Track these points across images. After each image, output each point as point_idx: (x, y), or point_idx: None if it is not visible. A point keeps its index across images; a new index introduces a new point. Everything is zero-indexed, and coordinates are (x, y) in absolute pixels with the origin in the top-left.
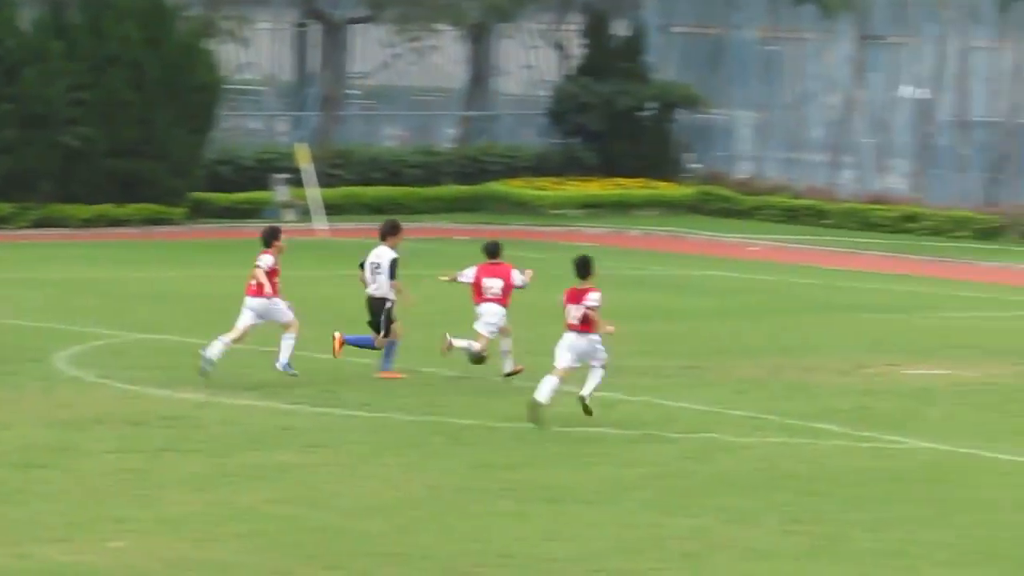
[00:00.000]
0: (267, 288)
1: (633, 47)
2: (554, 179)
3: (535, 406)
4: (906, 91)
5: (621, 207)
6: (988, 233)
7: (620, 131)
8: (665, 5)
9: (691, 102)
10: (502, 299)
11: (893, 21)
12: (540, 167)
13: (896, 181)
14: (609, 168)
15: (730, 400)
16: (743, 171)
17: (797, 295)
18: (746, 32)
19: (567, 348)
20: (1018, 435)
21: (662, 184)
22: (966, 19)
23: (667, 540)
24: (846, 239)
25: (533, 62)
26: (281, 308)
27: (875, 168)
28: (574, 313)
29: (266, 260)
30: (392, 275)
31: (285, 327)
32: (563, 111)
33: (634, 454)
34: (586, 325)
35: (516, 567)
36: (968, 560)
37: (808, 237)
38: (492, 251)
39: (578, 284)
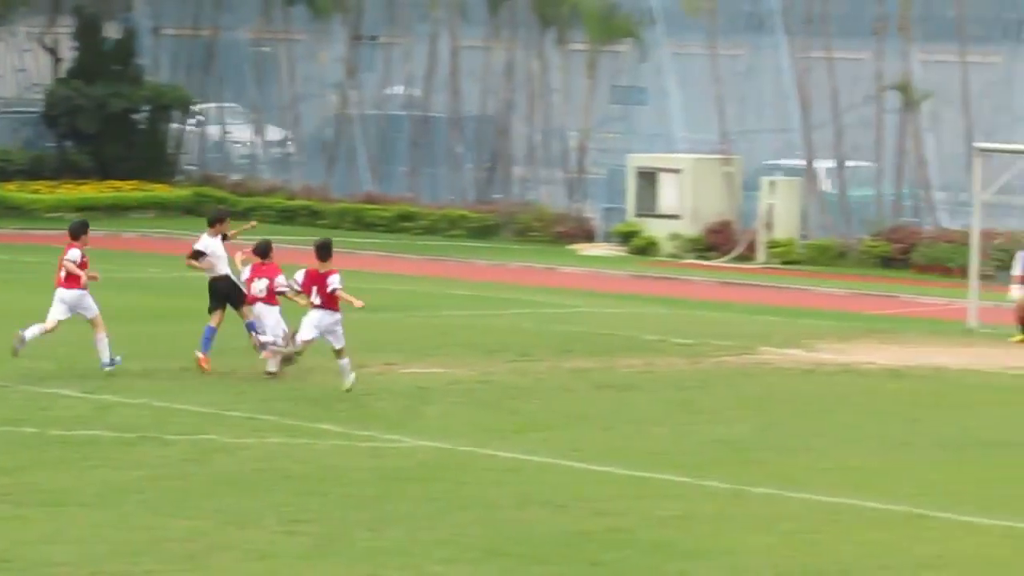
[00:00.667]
0: (83, 280)
1: (125, 49)
2: (49, 183)
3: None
4: (396, 90)
5: (116, 210)
6: (482, 231)
7: (114, 134)
8: (156, 7)
9: (184, 104)
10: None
11: (385, 21)
12: (34, 170)
13: (392, 180)
14: (104, 171)
15: (228, 402)
16: (238, 172)
17: None
18: (238, 33)
19: (314, 324)
20: (516, 432)
21: (157, 186)
22: (457, 19)
23: (167, 542)
24: (342, 239)
25: (25, 65)
26: (90, 302)
27: (369, 168)
28: (318, 292)
29: (74, 254)
30: None
31: (93, 324)
32: (56, 114)
33: (132, 457)
34: (331, 303)
35: (15, 571)
36: (468, 557)
37: (304, 238)
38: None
39: (320, 267)
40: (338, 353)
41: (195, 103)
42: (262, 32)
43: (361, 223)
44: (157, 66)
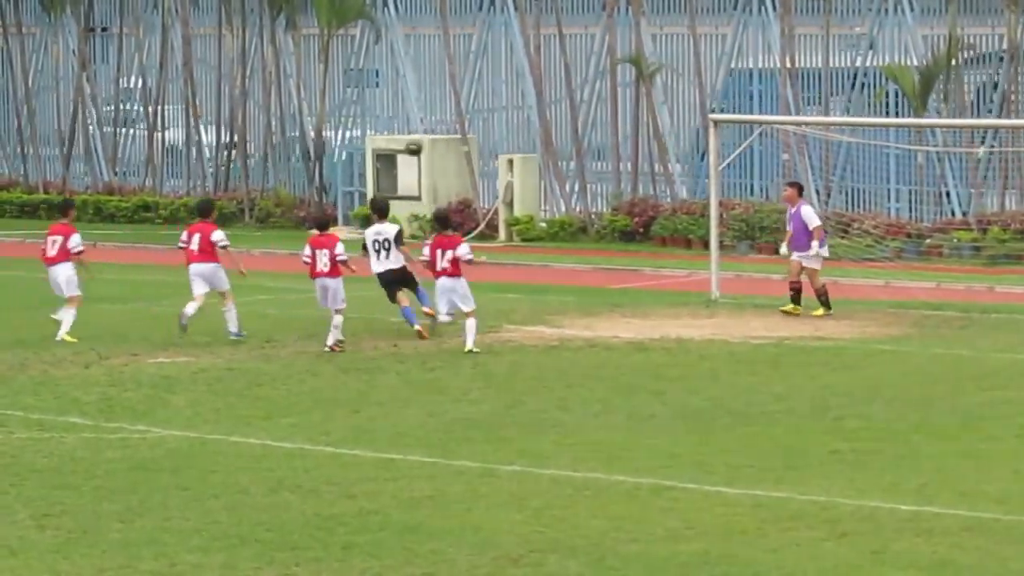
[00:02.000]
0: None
1: None
2: None
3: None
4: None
5: None
6: (225, 219)
7: None
8: None
9: None
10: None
11: (116, 12)
12: None
13: (130, 171)
14: None
15: None
16: None
17: (31, 289)
18: None
19: (447, 291)
20: (264, 419)
21: None
22: (187, 8)
23: None
24: (83, 231)
25: None
26: (223, 275)
27: (107, 159)
28: (446, 258)
29: (218, 234)
30: None
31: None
32: None
33: None
34: (456, 270)
35: None
36: (220, 545)
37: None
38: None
39: (445, 233)
40: (468, 315)
41: None
42: None
43: (101, 214)
44: None
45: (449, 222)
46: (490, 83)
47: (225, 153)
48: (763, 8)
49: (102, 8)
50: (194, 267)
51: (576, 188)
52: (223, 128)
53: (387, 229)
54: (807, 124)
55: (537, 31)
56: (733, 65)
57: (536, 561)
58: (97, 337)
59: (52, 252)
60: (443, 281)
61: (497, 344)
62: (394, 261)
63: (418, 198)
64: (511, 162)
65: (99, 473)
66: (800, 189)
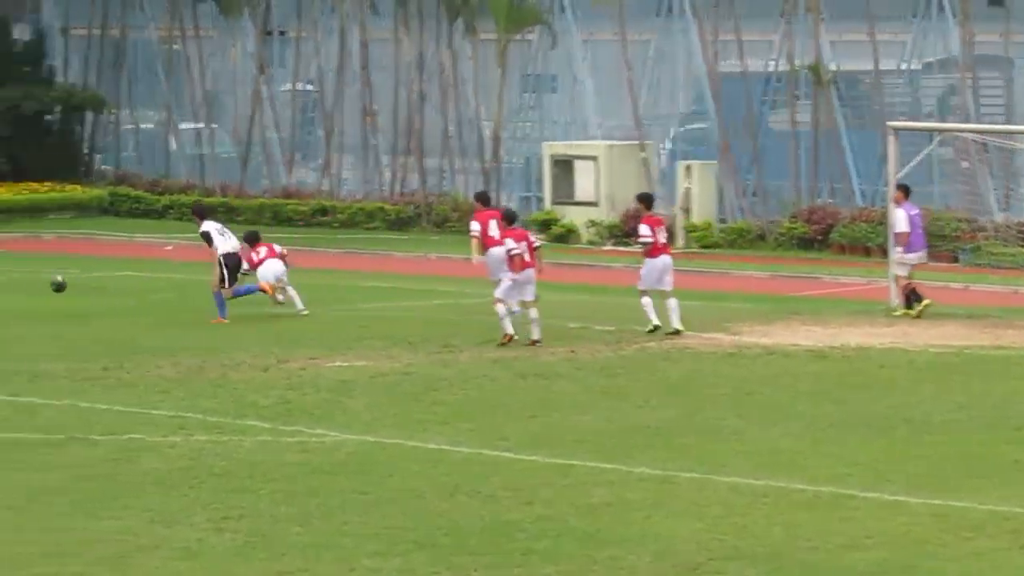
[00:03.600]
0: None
1: (35, 51)
2: None
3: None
4: (307, 85)
5: (34, 211)
6: (400, 223)
7: (27, 135)
8: (64, 7)
9: (96, 104)
10: None
11: (293, 16)
12: None
13: (307, 175)
14: (19, 173)
15: (153, 400)
16: (153, 170)
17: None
18: (147, 32)
19: (528, 283)
20: (441, 423)
21: (72, 187)
22: (365, 11)
23: (95, 543)
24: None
25: None
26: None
27: (284, 162)
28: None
29: None
30: None
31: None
32: None
33: (57, 458)
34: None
35: None
36: (398, 549)
37: None
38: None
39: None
40: (532, 304)
41: (106, 103)
42: (171, 30)
43: (278, 218)
44: (67, 67)
45: (515, 218)
46: (668, 89)
47: (402, 158)
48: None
49: (280, 11)
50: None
51: (753, 195)
52: (399, 132)
53: None
54: (987, 132)
55: (715, 37)
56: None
57: (716, 569)
58: (275, 341)
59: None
60: (530, 272)
61: (675, 351)
62: None
63: (595, 204)
64: (689, 168)
65: (277, 476)
66: (906, 191)
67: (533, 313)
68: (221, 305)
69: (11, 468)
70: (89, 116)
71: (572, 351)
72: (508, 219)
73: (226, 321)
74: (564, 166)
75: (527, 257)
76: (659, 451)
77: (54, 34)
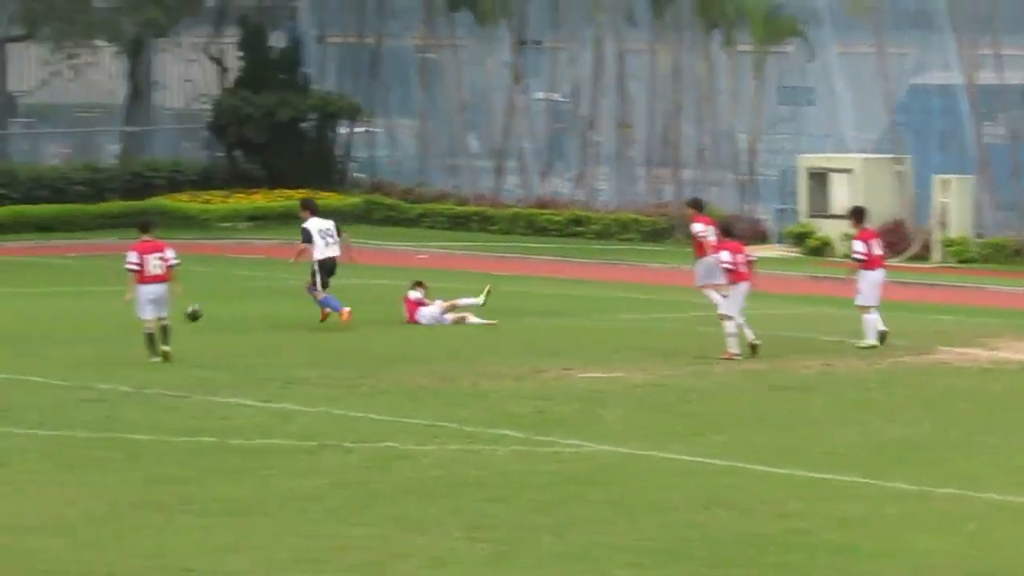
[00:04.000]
0: None
1: (291, 58)
2: (220, 192)
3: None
4: (559, 96)
5: (288, 218)
6: (654, 235)
7: (282, 143)
8: (320, 16)
9: (351, 112)
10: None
11: (549, 26)
12: (205, 180)
13: (561, 185)
14: (274, 180)
15: (407, 408)
16: (407, 179)
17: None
18: (402, 40)
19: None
20: (695, 435)
21: (327, 194)
22: (621, 22)
23: (349, 550)
24: (514, 244)
25: (192, 76)
26: None
27: (539, 172)
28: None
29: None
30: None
31: None
32: (224, 124)
33: (313, 465)
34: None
35: None
36: (652, 561)
37: (475, 243)
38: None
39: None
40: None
41: (361, 111)
42: (427, 39)
43: (533, 228)
44: (323, 74)
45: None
46: (924, 102)
47: (657, 169)
48: None
49: (536, 21)
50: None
51: (1011, 209)
52: (655, 144)
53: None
54: None
55: (973, 50)
56: None
57: None
58: (529, 351)
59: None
60: (744, 286)
61: (931, 366)
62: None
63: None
64: (945, 182)
65: (530, 486)
66: None
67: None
68: (327, 301)
69: (266, 474)
70: (344, 124)
71: (827, 364)
72: (726, 231)
73: (347, 311)
74: (819, 179)
75: (743, 269)
76: (914, 466)
77: (310, 42)
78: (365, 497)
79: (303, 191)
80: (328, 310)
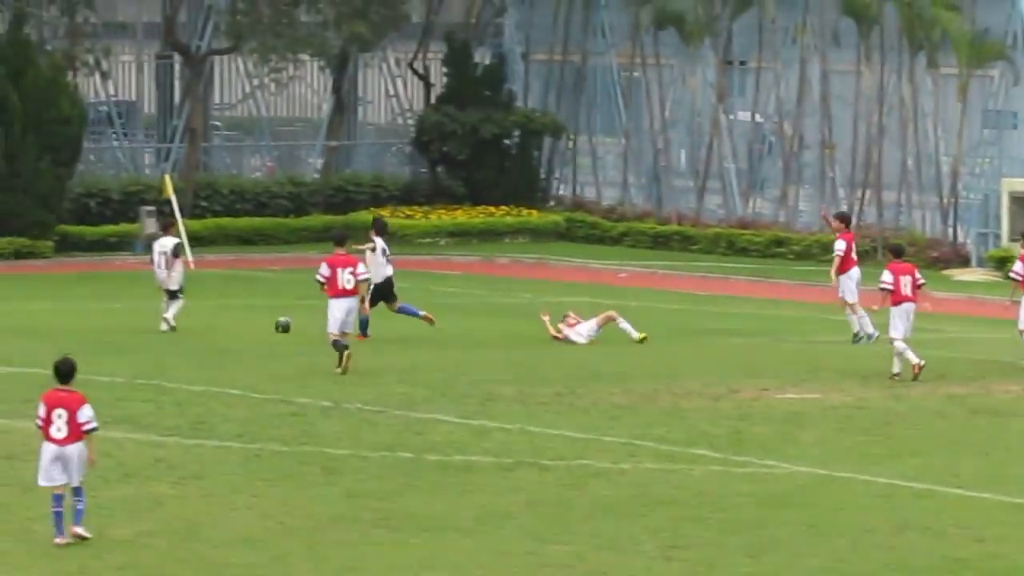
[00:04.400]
0: None
1: (496, 75)
2: (421, 208)
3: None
4: (744, 115)
5: (489, 235)
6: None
7: (485, 159)
8: (526, 33)
9: (554, 129)
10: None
11: (754, 46)
12: (406, 196)
13: (763, 205)
14: (475, 196)
15: (603, 426)
16: (609, 198)
17: (666, 320)
18: (607, 59)
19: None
20: (892, 458)
21: (529, 211)
22: (826, 43)
23: (544, 568)
24: (714, 264)
25: (396, 91)
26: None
27: (741, 192)
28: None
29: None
30: None
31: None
32: (427, 140)
33: (508, 482)
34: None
35: None
36: None
37: (676, 263)
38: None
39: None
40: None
41: (565, 128)
42: (631, 57)
43: (734, 248)
44: (527, 91)
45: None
46: None
47: (859, 191)
48: None
49: (741, 41)
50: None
51: None
52: (857, 165)
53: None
54: None
55: None
56: None
57: None
58: (727, 371)
59: None
60: (908, 306)
61: None
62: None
63: None
64: None
65: (726, 507)
66: None
67: (899, 346)
68: (363, 324)
69: (463, 490)
70: (547, 141)
71: None
72: (896, 252)
73: (367, 338)
74: (1022, 203)
75: (906, 292)
76: None
77: (515, 59)
78: (560, 515)
79: (505, 208)
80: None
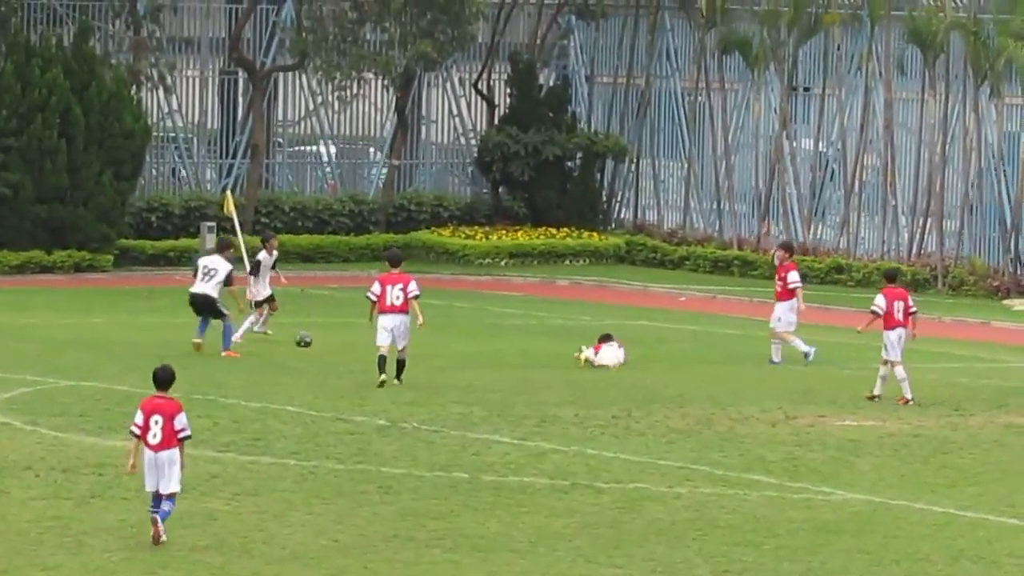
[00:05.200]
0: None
1: (559, 97)
2: (482, 228)
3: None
4: (807, 142)
5: (549, 256)
6: (917, 284)
7: (547, 180)
8: (591, 55)
9: (618, 152)
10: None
11: (819, 72)
12: (467, 216)
13: (824, 232)
14: (537, 217)
15: (659, 450)
16: (671, 221)
17: (725, 345)
18: (672, 83)
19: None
20: (948, 487)
21: (590, 233)
22: (891, 71)
23: None
24: (772, 290)
25: (460, 111)
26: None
27: (802, 218)
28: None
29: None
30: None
31: None
32: (490, 160)
33: (564, 503)
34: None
35: None
36: None
37: (737, 288)
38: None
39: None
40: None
41: (628, 151)
42: (697, 81)
43: None
44: (590, 113)
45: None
46: None
47: (921, 219)
48: None
49: (806, 67)
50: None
51: None
52: (920, 193)
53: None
54: None
55: None
56: None
57: None
58: (784, 397)
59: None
60: (901, 332)
61: None
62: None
63: None
64: None
65: (781, 532)
66: None
67: (900, 372)
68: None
69: (518, 512)
70: (609, 164)
71: None
72: (890, 278)
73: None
74: None
75: (898, 317)
76: None
77: (579, 81)
78: (615, 538)
79: (566, 230)
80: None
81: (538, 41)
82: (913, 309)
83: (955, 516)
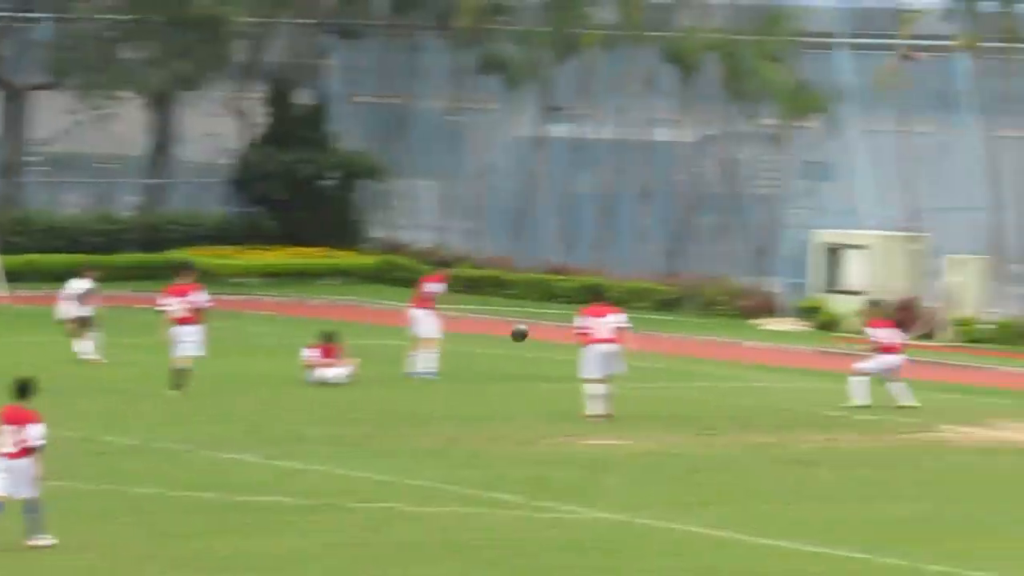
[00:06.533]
0: None
1: (316, 116)
2: (236, 247)
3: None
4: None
5: (302, 276)
6: (668, 304)
7: (302, 200)
8: (348, 74)
9: (373, 172)
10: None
11: (577, 92)
12: (222, 235)
13: (577, 252)
14: (291, 237)
15: (408, 469)
16: (425, 241)
17: (478, 365)
18: (430, 102)
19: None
20: (696, 506)
21: (344, 253)
22: (647, 92)
23: None
24: (528, 309)
25: (215, 130)
26: None
27: (557, 239)
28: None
29: None
30: None
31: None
32: (245, 179)
33: (314, 523)
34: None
35: None
36: None
37: (490, 307)
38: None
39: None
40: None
41: (384, 170)
42: (453, 101)
43: (547, 294)
44: (348, 133)
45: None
46: (946, 183)
47: (674, 240)
48: None
49: (563, 87)
50: None
51: None
52: (674, 213)
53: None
54: None
55: (995, 132)
56: None
57: None
58: (535, 416)
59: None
60: (606, 347)
61: (934, 444)
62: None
63: (864, 293)
64: (957, 262)
65: (527, 551)
66: None
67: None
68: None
69: (266, 532)
70: (365, 183)
71: (830, 439)
72: (597, 295)
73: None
74: (834, 254)
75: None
76: (909, 544)
77: (338, 100)
78: (364, 558)
79: (320, 249)
80: None
81: (295, 61)
82: (626, 325)
83: (701, 535)
